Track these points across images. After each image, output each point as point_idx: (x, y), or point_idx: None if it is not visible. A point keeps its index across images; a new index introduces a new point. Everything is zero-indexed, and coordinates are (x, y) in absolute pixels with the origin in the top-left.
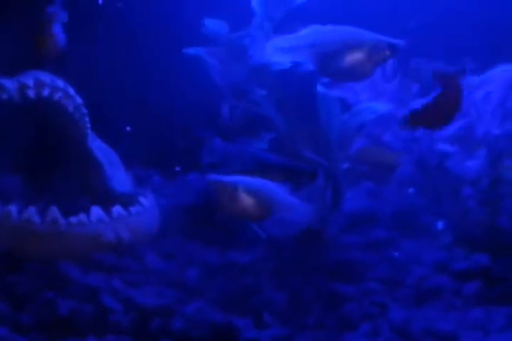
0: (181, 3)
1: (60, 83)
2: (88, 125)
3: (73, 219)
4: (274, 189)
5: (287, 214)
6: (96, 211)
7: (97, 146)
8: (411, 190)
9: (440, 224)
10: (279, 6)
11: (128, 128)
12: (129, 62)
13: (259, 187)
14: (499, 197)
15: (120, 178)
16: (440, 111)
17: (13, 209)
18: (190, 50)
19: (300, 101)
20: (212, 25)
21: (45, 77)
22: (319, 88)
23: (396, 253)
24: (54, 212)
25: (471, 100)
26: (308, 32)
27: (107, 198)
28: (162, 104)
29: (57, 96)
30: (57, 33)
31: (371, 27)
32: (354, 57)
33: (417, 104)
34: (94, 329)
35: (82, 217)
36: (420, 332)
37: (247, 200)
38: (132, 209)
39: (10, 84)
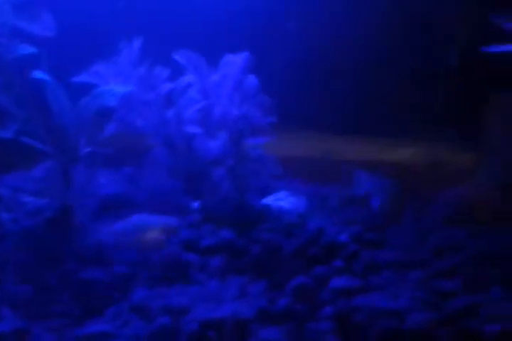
0: None
1: None
2: None
3: None
4: None
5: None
6: None
7: None
8: (165, 173)
9: (194, 204)
10: None
11: None
12: None
13: None
14: (245, 175)
15: None
16: None
17: None
18: None
19: (31, 90)
20: None
21: None
22: (40, 74)
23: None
24: None
25: (210, 83)
26: None
27: None
28: None
29: None
30: None
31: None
32: None
33: None
34: None
35: None
36: (157, 309)
37: None
38: None
39: None
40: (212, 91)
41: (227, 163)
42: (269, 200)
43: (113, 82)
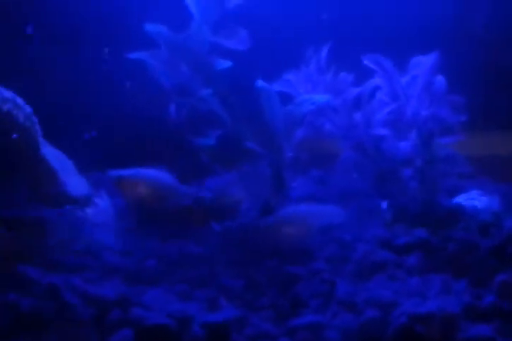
0: (123, 7)
1: (8, 94)
2: (39, 133)
3: None
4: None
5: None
6: None
7: (50, 153)
8: (355, 175)
9: (384, 204)
10: (214, 8)
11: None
12: (73, 68)
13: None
14: (435, 175)
15: (74, 182)
16: None
17: None
18: (133, 55)
19: (244, 96)
20: (153, 28)
21: None
22: (261, 83)
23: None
24: None
25: (399, 85)
26: None
27: (61, 202)
28: (111, 109)
29: (5, 107)
30: None
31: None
32: None
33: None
34: None
35: None
36: (364, 302)
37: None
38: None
39: None
40: (402, 93)
41: (416, 163)
42: (460, 199)
43: (303, 89)
